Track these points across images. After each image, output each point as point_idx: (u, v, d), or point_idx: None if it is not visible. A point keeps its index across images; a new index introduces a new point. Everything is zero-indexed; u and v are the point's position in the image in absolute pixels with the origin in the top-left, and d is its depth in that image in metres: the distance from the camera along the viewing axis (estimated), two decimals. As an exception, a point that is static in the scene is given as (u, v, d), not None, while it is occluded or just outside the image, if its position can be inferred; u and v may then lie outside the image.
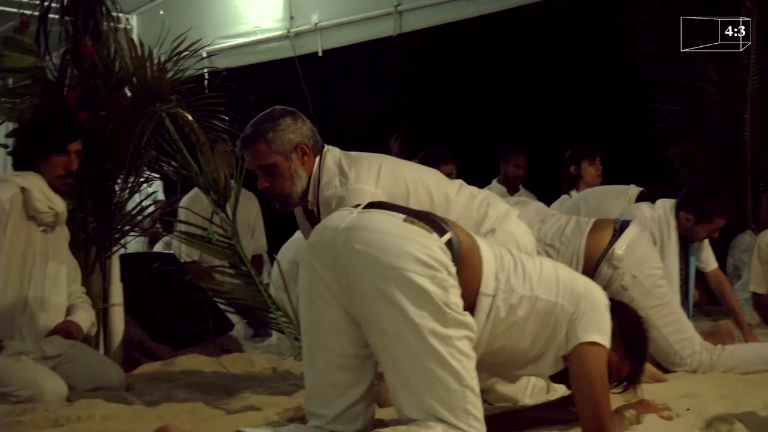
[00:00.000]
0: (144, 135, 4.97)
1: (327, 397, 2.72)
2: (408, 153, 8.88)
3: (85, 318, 4.64)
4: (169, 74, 4.86)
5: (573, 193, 7.05)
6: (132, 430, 3.42)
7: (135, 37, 7.70)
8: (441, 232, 2.67)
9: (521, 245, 3.45)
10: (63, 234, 4.64)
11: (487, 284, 2.71)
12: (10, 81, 5.07)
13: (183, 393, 4.24)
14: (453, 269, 2.61)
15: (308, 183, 3.56)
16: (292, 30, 9.22)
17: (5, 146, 5.12)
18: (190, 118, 4.69)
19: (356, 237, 2.62)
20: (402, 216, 2.69)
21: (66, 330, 4.49)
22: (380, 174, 3.49)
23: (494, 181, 8.00)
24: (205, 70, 5.87)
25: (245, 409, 3.78)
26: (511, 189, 7.94)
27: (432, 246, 2.60)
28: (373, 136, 8.97)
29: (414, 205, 3.26)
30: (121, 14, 6.00)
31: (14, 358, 4.24)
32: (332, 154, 3.57)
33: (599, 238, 4.30)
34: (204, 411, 3.76)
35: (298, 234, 7.15)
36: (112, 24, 5.09)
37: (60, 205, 4.47)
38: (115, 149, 5.00)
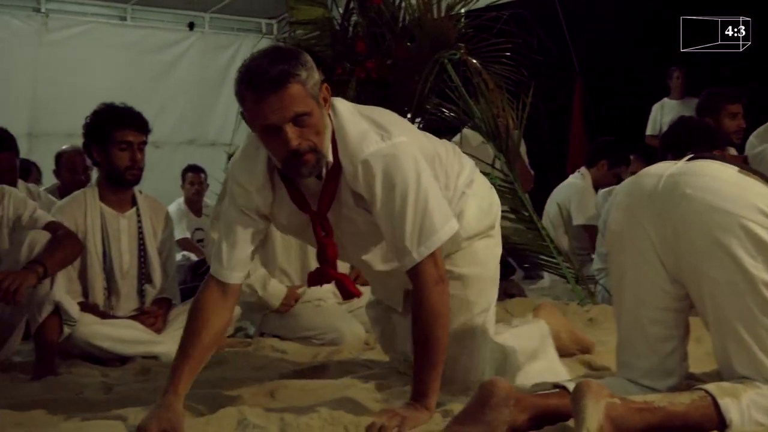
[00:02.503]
0: (428, 82, 5.02)
1: (638, 351, 2.62)
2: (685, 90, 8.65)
3: None
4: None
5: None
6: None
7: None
8: None
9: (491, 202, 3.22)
10: None
11: None
12: (300, 32, 5.22)
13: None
14: None
15: None
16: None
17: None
18: (478, 65, 4.68)
19: (687, 182, 2.46)
20: (735, 167, 2.54)
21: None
22: (411, 127, 3.12)
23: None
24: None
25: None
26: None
27: None
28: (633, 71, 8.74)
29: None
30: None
31: (314, 304, 4.44)
32: (341, 101, 2.84)
33: None
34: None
35: (570, 179, 7.10)
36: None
37: None
38: (399, 96, 5.08)
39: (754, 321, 2.42)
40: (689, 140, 4.43)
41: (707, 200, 2.42)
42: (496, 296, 3.16)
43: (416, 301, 2.69)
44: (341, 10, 5.21)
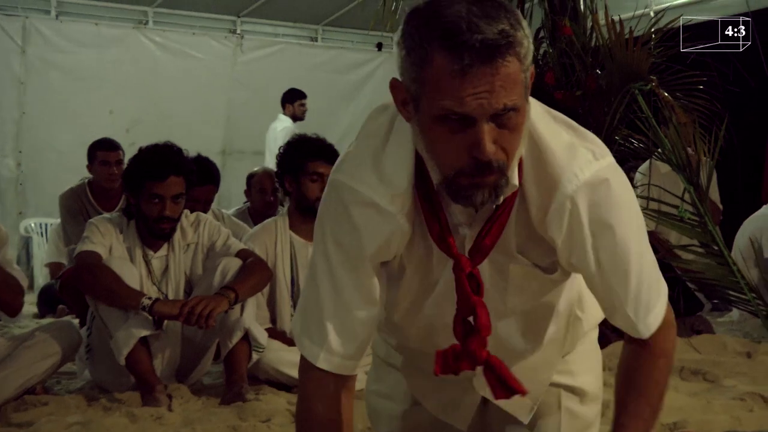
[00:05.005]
0: (618, 113, 4.94)
1: None
2: None
3: None
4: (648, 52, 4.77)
5: None
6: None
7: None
8: None
9: None
10: None
11: None
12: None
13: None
14: None
15: None
16: (750, -17, 8.73)
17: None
18: (669, 98, 4.58)
19: None
20: None
21: None
22: None
23: None
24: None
25: (730, 398, 3.67)
26: None
27: None
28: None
29: None
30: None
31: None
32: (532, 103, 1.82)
33: None
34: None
35: (763, 210, 6.83)
36: (589, 2, 5.07)
37: None
38: (588, 127, 5.01)
39: None
40: None
41: None
42: None
43: (634, 366, 2.00)
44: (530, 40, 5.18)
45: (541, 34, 5.19)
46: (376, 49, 10.44)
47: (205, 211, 4.52)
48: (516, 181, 1.75)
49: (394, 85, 1.75)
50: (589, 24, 5.03)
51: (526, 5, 5.17)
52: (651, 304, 1.94)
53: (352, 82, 10.37)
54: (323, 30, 10.26)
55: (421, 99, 1.67)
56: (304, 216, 4.28)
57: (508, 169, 1.70)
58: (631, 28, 4.78)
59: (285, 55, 10.05)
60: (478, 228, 1.84)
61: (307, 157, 4.25)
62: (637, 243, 1.88)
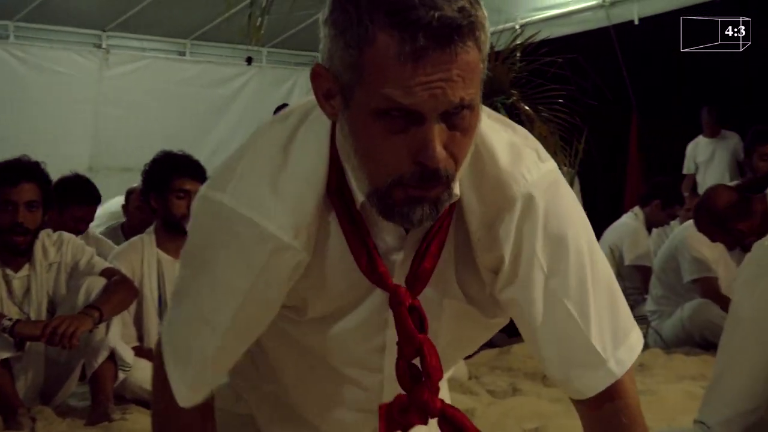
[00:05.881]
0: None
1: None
2: (713, 131, 8.55)
3: None
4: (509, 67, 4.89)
5: None
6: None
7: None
8: None
9: None
10: None
11: None
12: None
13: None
14: None
15: None
16: (608, -1, 9.01)
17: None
18: (530, 111, 4.70)
19: None
20: None
21: None
22: None
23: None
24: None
25: None
26: None
27: None
28: (692, 107, 8.65)
29: None
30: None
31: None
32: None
33: None
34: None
35: (623, 219, 7.04)
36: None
37: None
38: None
39: None
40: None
41: None
42: None
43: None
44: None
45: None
46: (246, 63, 10.38)
47: (84, 230, 4.47)
48: (458, 191, 1.45)
49: (318, 72, 1.42)
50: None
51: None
52: (627, 328, 1.60)
53: (222, 97, 10.28)
54: (191, 44, 10.14)
55: (356, 89, 1.36)
56: (170, 233, 4.25)
57: (455, 180, 1.40)
58: (492, 43, 4.89)
59: (153, 70, 9.90)
60: (412, 250, 1.54)
61: (173, 173, 4.23)
62: (595, 253, 1.59)
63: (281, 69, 10.68)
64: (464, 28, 1.31)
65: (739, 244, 4.74)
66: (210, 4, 8.70)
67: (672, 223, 7.07)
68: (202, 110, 10.01)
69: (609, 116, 7.81)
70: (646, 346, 5.05)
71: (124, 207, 6.31)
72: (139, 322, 4.18)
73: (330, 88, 1.41)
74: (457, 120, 1.36)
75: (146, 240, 4.29)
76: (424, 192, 1.38)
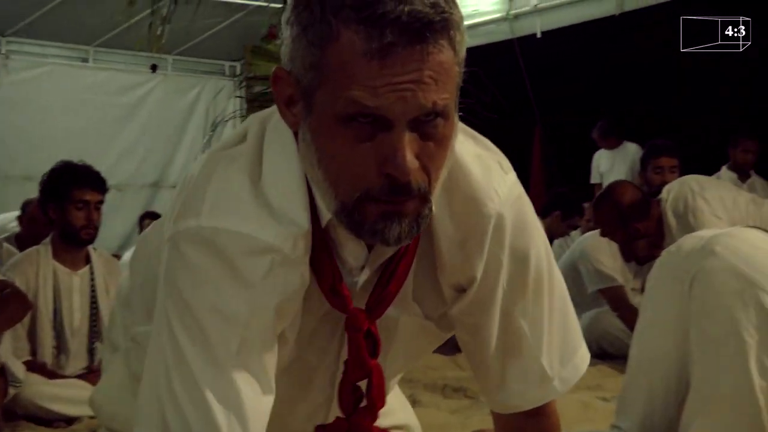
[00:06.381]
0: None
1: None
2: (611, 143, 8.71)
3: None
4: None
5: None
6: None
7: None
8: None
9: None
10: None
11: None
12: (257, 88, 5.27)
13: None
14: None
15: None
16: (511, 12, 9.14)
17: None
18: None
19: (720, 241, 2.41)
20: None
21: None
22: None
23: (724, 168, 7.73)
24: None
25: (487, 413, 3.80)
26: (742, 176, 7.65)
27: None
28: (595, 119, 8.80)
29: None
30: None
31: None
32: None
33: None
34: None
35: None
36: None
37: None
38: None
39: (730, 390, 2.37)
40: None
41: (731, 262, 2.37)
42: None
43: None
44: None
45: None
46: (151, 70, 10.27)
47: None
48: (433, 207, 1.32)
49: (278, 76, 1.30)
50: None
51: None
52: (575, 346, 1.59)
53: (126, 105, 10.13)
54: (95, 51, 10.00)
55: (318, 92, 1.24)
56: (67, 245, 4.18)
57: (430, 194, 1.29)
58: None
59: (55, 77, 9.71)
60: (376, 271, 1.43)
61: (72, 184, 4.16)
62: (552, 268, 1.55)
63: (187, 77, 10.59)
64: (437, 24, 1.21)
65: (629, 243, 4.83)
66: (114, 11, 8.60)
67: (572, 233, 7.18)
68: (106, 118, 9.86)
69: (512, 128, 7.91)
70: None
71: (20, 218, 6.18)
72: (32, 335, 4.09)
73: (292, 93, 1.29)
74: (430, 128, 1.25)
75: (42, 251, 4.20)
76: (398, 207, 1.27)
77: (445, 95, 1.24)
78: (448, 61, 1.23)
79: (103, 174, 4.35)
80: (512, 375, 1.55)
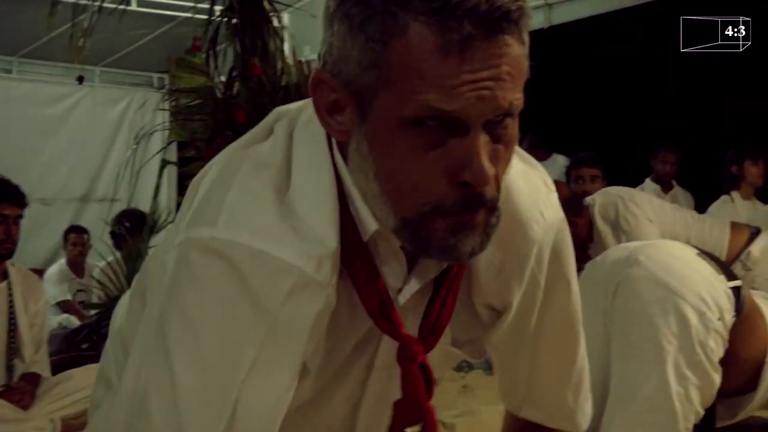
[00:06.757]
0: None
1: None
2: (540, 155, 8.77)
3: None
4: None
5: (734, 194, 6.85)
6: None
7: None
8: (730, 276, 2.56)
9: None
10: None
11: None
12: (182, 101, 5.23)
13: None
14: (729, 317, 2.48)
15: None
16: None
17: (175, 163, 5.29)
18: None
19: (643, 251, 2.55)
20: (695, 250, 2.64)
21: None
22: None
23: (648, 180, 7.85)
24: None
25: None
26: (665, 187, 7.78)
27: (717, 287, 2.50)
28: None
29: None
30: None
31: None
32: None
33: (737, 238, 4.21)
34: None
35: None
36: (279, 43, 5.18)
37: None
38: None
39: (646, 392, 2.46)
40: None
41: (653, 271, 2.50)
42: None
43: None
44: (223, 79, 5.23)
45: (234, 73, 5.24)
46: (77, 82, 10.13)
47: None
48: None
49: (320, 80, 1.14)
50: (280, 65, 5.14)
51: (219, 47, 5.20)
52: (585, 387, 1.52)
53: (52, 117, 9.98)
54: (19, 62, 9.84)
55: (378, 95, 1.09)
56: (-13, 260, 4.12)
57: (498, 202, 1.16)
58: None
59: (-23, 88, 9.57)
60: (422, 294, 1.28)
61: None
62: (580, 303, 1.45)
63: (115, 89, 10.48)
64: (513, 13, 1.06)
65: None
66: (39, 21, 8.46)
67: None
68: (31, 130, 9.69)
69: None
70: (469, 368, 5.15)
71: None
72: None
73: (337, 99, 1.13)
74: (500, 129, 1.11)
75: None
76: (468, 218, 1.12)
77: (520, 94, 1.11)
78: (522, 56, 1.10)
79: (29, 187, 4.30)
80: (573, 389, 1.50)
